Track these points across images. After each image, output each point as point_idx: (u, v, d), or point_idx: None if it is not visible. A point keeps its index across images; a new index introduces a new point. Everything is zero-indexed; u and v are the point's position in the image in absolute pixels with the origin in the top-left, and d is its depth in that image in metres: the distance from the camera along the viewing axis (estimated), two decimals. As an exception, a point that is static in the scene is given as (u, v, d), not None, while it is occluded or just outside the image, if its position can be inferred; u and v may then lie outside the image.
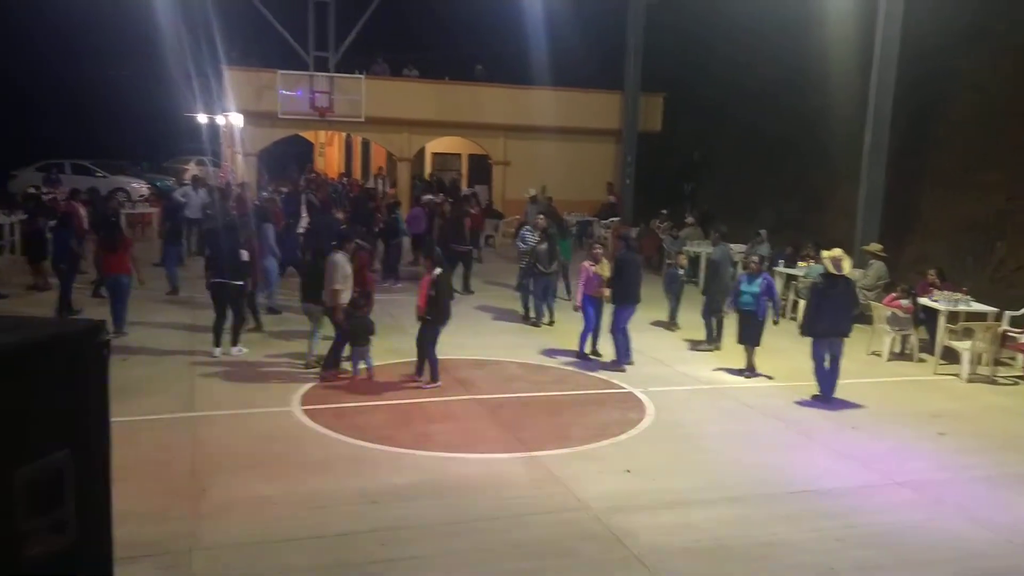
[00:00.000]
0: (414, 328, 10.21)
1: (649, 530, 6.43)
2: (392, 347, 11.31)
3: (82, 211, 16.00)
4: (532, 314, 13.66)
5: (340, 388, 9.79)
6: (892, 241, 15.60)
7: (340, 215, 16.67)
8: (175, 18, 26.53)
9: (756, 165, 23.71)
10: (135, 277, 11.93)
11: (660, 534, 6.39)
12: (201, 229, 17.72)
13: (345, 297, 10.03)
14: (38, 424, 2.70)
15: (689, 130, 27.17)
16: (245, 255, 11.05)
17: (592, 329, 11.59)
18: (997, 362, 11.54)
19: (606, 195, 26.37)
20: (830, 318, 9.84)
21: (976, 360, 11.43)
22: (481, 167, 29.34)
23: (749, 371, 11.01)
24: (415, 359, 10.20)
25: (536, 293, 13.53)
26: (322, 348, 10.49)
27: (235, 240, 11.04)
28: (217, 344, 10.86)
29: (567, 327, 12.97)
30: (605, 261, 11.65)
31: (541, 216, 14.35)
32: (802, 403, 9.91)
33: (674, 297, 13.75)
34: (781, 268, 15.51)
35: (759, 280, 10.91)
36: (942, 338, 11.72)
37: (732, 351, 11.63)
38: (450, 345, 10.69)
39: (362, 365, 10.15)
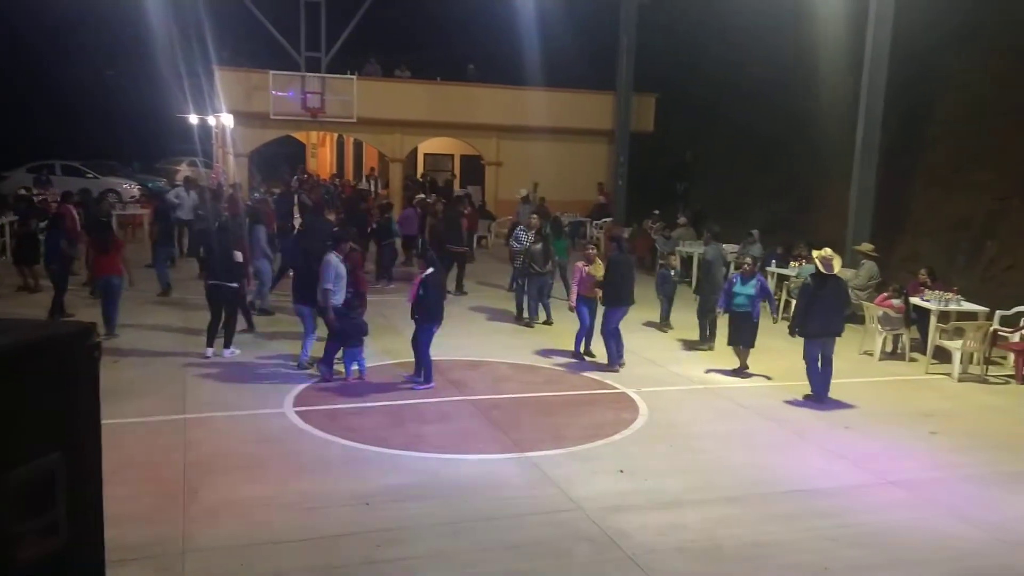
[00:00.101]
0: (407, 329, 10.20)
1: (643, 530, 6.44)
2: (385, 348, 11.30)
3: (74, 213, 15.93)
4: (526, 314, 13.66)
5: (333, 389, 9.77)
6: (883, 241, 15.65)
7: (332, 216, 16.65)
8: (166, 18, 26.45)
9: (748, 165, 23.75)
10: (126, 278, 11.89)
11: (654, 534, 6.39)
12: (192, 230, 17.67)
13: (339, 298, 10.01)
14: (29, 426, 2.68)
15: (681, 130, 27.21)
16: (239, 256, 11.03)
17: (586, 329, 11.60)
18: (988, 361, 11.59)
19: (597, 195, 26.41)
20: (821, 318, 9.86)
21: (967, 359, 11.48)
22: (474, 168, 29.33)
23: (743, 371, 11.03)
24: (408, 359, 10.19)
25: (531, 293, 13.52)
26: (316, 350, 10.48)
27: (228, 241, 11.02)
28: (209, 344, 10.84)
29: (561, 327, 12.99)
30: (599, 261, 11.68)
31: (534, 216, 14.35)
32: (795, 403, 9.94)
33: (666, 298, 13.76)
34: (773, 268, 15.56)
35: (753, 282, 10.93)
36: (933, 337, 11.76)
37: (726, 351, 11.65)
38: (444, 346, 10.69)
39: (355, 366, 10.15)
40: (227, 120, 26.42)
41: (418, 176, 29.64)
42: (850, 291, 12.78)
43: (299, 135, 35.29)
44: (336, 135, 35.09)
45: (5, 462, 2.56)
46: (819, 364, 9.97)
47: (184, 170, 31.25)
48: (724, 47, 24.39)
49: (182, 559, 5.76)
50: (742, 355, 11.09)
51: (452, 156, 31.17)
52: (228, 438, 8.12)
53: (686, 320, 13.25)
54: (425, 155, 31.25)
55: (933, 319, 11.86)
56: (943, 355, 11.74)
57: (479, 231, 21.80)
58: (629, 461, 7.85)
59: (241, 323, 11.69)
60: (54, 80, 37.16)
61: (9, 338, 2.69)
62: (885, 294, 12.58)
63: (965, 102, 17.40)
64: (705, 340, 12.54)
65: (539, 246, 13.33)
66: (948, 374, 11.44)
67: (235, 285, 10.92)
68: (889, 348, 12.49)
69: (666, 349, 12.51)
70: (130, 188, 28.00)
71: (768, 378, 10.96)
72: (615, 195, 25.90)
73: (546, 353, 11.83)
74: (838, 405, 9.89)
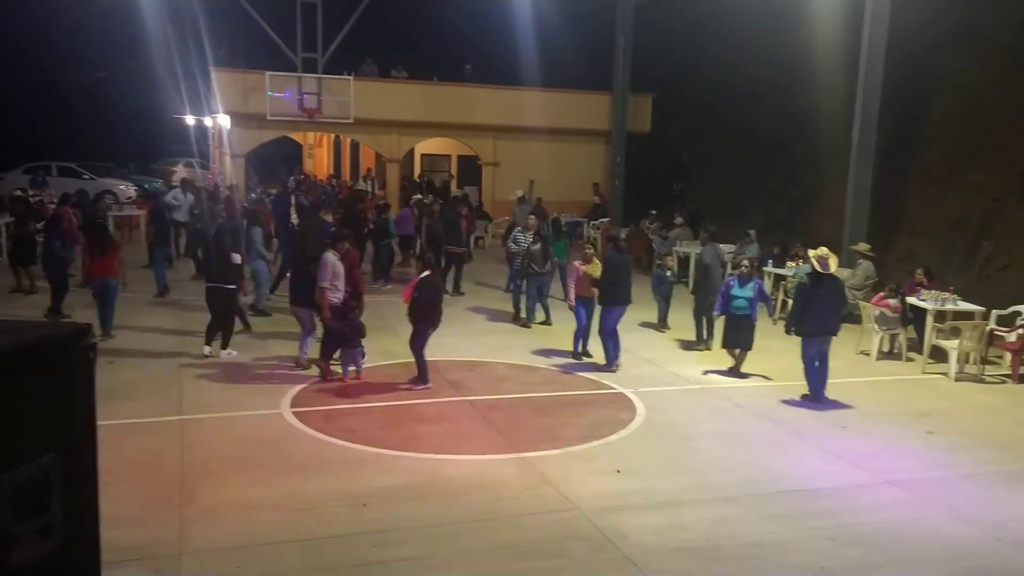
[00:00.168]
0: (404, 329, 10.19)
1: (640, 530, 6.43)
2: (382, 349, 11.29)
3: (71, 215, 15.89)
4: (523, 314, 13.65)
5: (330, 390, 9.76)
6: (880, 240, 15.68)
7: (329, 217, 16.62)
8: (162, 19, 26.44)
9: (745, 165, 23.78)
10: (120, 280, 11.87)
11: (651, 534, 6.38)
12: (189, 231, 17.65)
13: (336, 297, 10.00)
14: (24, 427, 2.67)
15: (678, 130, 27.23)
16: (237, 258, 11.03)
17: (583, 329, 11.60)
18: (984, 361, 11.60)
19: (592, 196, 26.42)
20: (818, 317, 9.86)
21: (964, 359, 11.49)
22: (470, 168, 29.33)
23: (740, 372, 11.02)
24: (405, 360, 10.18)
25: (530, 293, 13.51)
26: (314, 351, 10.48)
27: (225, 243, 11.01)
28: (208, 343, 10.85)
29: (558, 328, 12.99)
30: (596, 261, 11.67)
31: (532, 217, 14.35)
32: (792, 403, 9.94)
33: (663, 299, 13.75)
34: (770, 268, 15.57)
35: (751, 284, 10.92)
36: (930, 337, 11.77)
37: (723, 351, 11.64)
38: (441, 346, 10.67)
39: (352, 367, 10.14)
40: (224, 121, 26.41)
41: (415, 177, 29.63)
42: (847, 291, 12.80)
43: (296, 136, 35.29)
44: (333, 136, 35.09)
45: (0, 464, 2.55)
46: (817, 363, 9.98)
47: (180, 171, 31.23)
48: (720, 47, 24.41)
49: (178, 560, 5.75)
50: (739, 358, 11.08)
51: (449, 156, 31.19)
52: (225, 439, 8.10)
53: (683, 320, 13.24)
54: (422, 155, 31.26)
55: (929, 319, 11.87)
56: (940, 355, 11.75)
57: (476, 231, 21.81)
58: (626, 461, 7.84)
59: (238, 324, 11.68)
60: (51, 81, 37.14)
61: (4, 339, 2.68)
62: (882, 294, 12.59)
63: (961, 102, 17.42)
64: (702, 340, 12.54)
65: (538, 246, 13.32)
66: (945, 374, 11.45)
67: (232, 287, 10.92)
68: (886, 348, 12.50)
69: (663, 349, 12.51)
70: (126, 189, 27.98)
71: (765, 378, 10.95)
72: (612, 195, 25.91)
73: (544, 353, 11.83)
74: (835, 405, 9.89)
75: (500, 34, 26.36)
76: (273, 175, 31.08)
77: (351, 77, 25.35)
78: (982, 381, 11.32)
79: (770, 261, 15.80)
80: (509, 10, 25.04)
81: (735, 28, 23.62)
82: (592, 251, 11.99)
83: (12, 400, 2.61)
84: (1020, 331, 11.42)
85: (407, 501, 6.82)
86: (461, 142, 28.49)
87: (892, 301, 12.27)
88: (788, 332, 10.25)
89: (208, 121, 31.44)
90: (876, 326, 12.31)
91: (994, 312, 12.12)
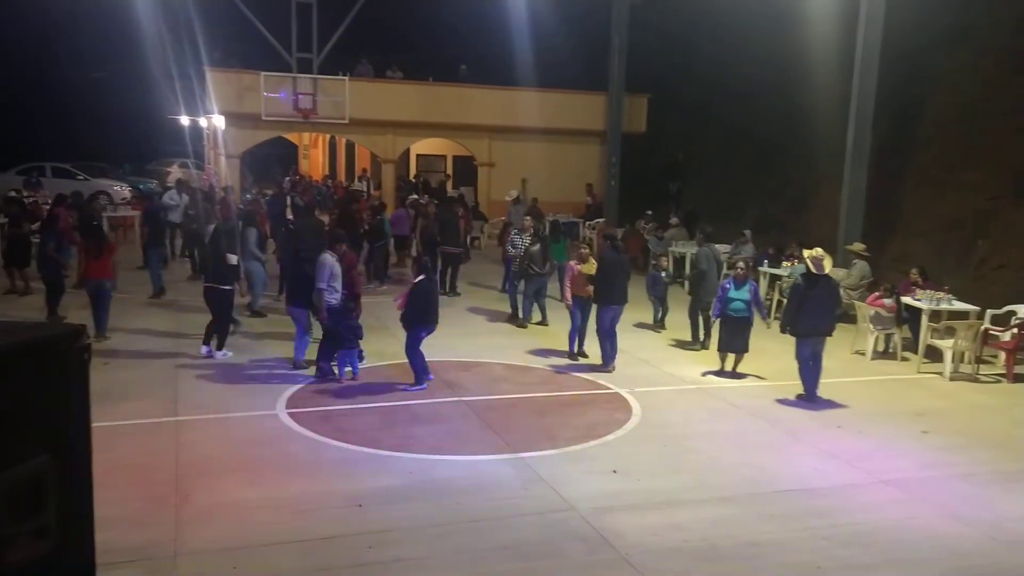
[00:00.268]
0: (400, 330, 10.18)
1: (636, 530, 6.43)
2: (378, 350, 11.28)
3: (68, 215, 15.85)
4: (520, 314, 13.64)
5: (326, 391, 9.74)
6: (875, 240, 15.70)
7: (325, 217, 16.63)
8: (157, 20, 26.40)
9: (740, 165, 23.81)
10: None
11: (647, 534, 6.38)
12: (184, 231, 17.61)
13: (334, 299, 9.99)
14: (18, 429, 2.66)
15: (674, 130, 27.25)
16: (233, 259, 11.01)
17: (578, 329, 11.60)
18: (979, 360, 11.63)
19: (585, 196, 26.43)
20: (812, 318, 9.87)
21: (959, 358, 11.52)
22: (466, 168, 29.32)
23: (735, 372, 11.03)
24: (402, 361, 10.17)
25: (527, 293, 13.50)
26: (310, 352, 10.46)
27: (221, 245, 10.99)
28: (205, 343, 10.84)
29: (555, 328, 13.00)
30: (592, 260, 11.67)
31: (527, 217, 14.35)
32: (787, 403, 9.95)
33: (658, 300, 13.76)
34: (765, 268, 15.58)
35: (747, 286, 10.91)
36: (925, 337, 11.80)
37: (718, 352, 11.64)
38: (437, 347, 10.66)
39: (348, 368, 10.12)
40: (219, 121, 26.39)
41: (411, 177, 29.62)
42: (842, 291, 12.83)
43: (291, 136, 35.28)
44: (328, 136, 35.09)
45: (-6, 465, 2.54)
46: (811, 363, 9.99)
47: (175, 172, 31.18)
48: (716, 47, 24.44)
49: (174, 562, 5.73)
50: (736, 360, 11.07)
51: (444, 157, 31.18)
52: (220, 440, 8.08)
53: (679, 321, 13.25)
54: (418, 156, 31.24)
55: (924, 318, 11.89)
56: (935, 354, 11.77)
57: (473, 232, 21.81)
58: (622, 461, 7.84)
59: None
60: (45, 81, 37.06)
61: (-2, 340, 2.67)
62: (877, 293, 12.61)
63: (956, 102, 17.47)
64: (697, 340, 12.55)
65: (537, 247, 13.32)
66: (940, 373, 11.47)
67: (228, 288, 10.90)
68: (881, 347, 12.53)
69: (659, 349, 12.52)
70: (121, 190, 27.93)
71: (761, 378, 10.97)
72: (608, 196, 25.92)
73: (540, 354, 11.83)
74: (830, 405, 9.91)
75: (495, 34, 26.36)
76: (268, 176, 31.09)
77: (346, 77, 25.33)
78: (977, 380, 11.35)
79: (765, 261, 15.82)
80: (504, 10, 25.05)
81: (730, 28, 23.65)
82: (588, 251, 12.00)
83: (6, 401, 2.60)
84: (1015, 330, 11.45)
85: (403, 502, 6.82)
86: (457, 142, 28.48)
87: (887, 301, 12.29)
88: (783, 332, 10.27)
89: (203, 122, 31.42)
90: (871, 326, 12.34)
91: (989, 312, 12.15)
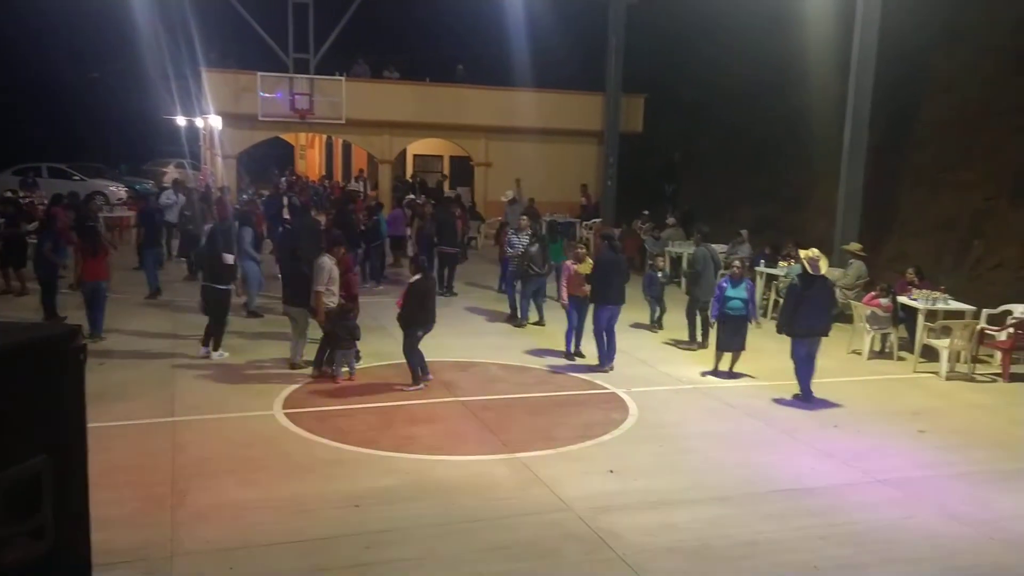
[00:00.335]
0: (397, 331, 10.18)
1: (633, 530, 6.43)
2: (375, 350, 11.27)
3: (65, 215, 15.82)
4: (518, 314, 13.64)
5: (322, 391, 9.74)
6: (871, 240, 15.73)
7: (321, 218, 16.61)
8: (153, 20, 26.35)
9: (737, 165, 23.83)
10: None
11: (644, 534, 6.39)
12: (180, 232, 17.60)
13: (332, 301, 9.98)
14: (15, 429, 2.66)
15: (670, 131, 27.26)
16: (230, 259, 11.01)
17: (575, 329, 11.60)
18: (975, 360, 11.64)
19: (580, 197, 26.44)
20: (808, 318, 9.87)
21: (955, 358, 11.53)
22: (463, 169, 29.32)
23: (732, 372, 11.03)
24: (399, 361, 10.18)
25: (524, 293, 13.50)
26: (308, 352, 10.45)
27: (219, 244, 10.98)
28: (205, 344, 10.84)
29: (552, 328, 13.01)
30: (589, 260, 11.68)
31: (524, 217, 14.34)
32: (784, 402, 9.96)
33: (654, 300, 13.76)
34: (761, 268, 15.59)
35: (744, 284, 10.93)
36: (921, 336, 11.82)
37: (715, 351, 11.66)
38: (434, 347, 10.66)
39: (344, 368, 10.12)
40: (215, 122, 26.34)
41: (407, 177, 29.61)
42: (838, 290, 12.85)
43: (288, 137, 35.25)
44: (325, 136, 35.04)
45: (-10, 465, 2.54)
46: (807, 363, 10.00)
47: (172, 172, 31.12)
48: (713, 48, 24.47)
49: (170, 562, 5.72)
50: (733, 359, 11.07)
51: (441, 157, 31.17)
52: (217, 440, 8.07)
53: (676, 321, 13.26)
54: (414, 156, 31.23)
55: (921, 318, 11.91)
56: (931, 354, 11.80)
57: (470, 232, 21.81)
58: (619, 461, 7.85)
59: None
60: (41, 82, 36.96)
61: (-6, 340, 2.67)
62: (873, 293, 12.63)
63: (952, 103, 17.50)
64: (694, 340, 12.56)
65: (536, 247, 13.31)
66: (936, 372, 11.49)
67: (224, 287, 10.90)
68: (877, 347, 12.54)
69: (656, 349, 12.53)
70: (117, 190, 27.89)
71: (759, 378, 10.97)
72: (604, 196, 25.92)
73: (537, 354, 11.83)
74: (827, 404, 9.92)
75: (492, 34, 26.35)
76: (265, 176, 31.02)
77: (343, 78, 25.31)
78: (973, 380, 11.37)
79: (762, 261, 15.83)
80: (501, 10, 25.04)
81: (727, 29, 23.67)
82: (584, 251, 12.00)
83: (2, 401, 2.60)
84: (1010, 330, 11.48)
85: (400, 502, 6.81)
86: (453, 143, 28.47)
87: (883, 300, 12.31)
88: (779, 332, 10.28)
89: (199, 122, 31.36)
90: (867, 325, 12.35)
91: (985, 311, 12.16)
